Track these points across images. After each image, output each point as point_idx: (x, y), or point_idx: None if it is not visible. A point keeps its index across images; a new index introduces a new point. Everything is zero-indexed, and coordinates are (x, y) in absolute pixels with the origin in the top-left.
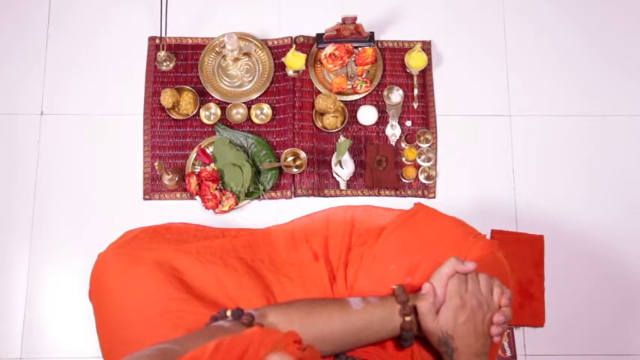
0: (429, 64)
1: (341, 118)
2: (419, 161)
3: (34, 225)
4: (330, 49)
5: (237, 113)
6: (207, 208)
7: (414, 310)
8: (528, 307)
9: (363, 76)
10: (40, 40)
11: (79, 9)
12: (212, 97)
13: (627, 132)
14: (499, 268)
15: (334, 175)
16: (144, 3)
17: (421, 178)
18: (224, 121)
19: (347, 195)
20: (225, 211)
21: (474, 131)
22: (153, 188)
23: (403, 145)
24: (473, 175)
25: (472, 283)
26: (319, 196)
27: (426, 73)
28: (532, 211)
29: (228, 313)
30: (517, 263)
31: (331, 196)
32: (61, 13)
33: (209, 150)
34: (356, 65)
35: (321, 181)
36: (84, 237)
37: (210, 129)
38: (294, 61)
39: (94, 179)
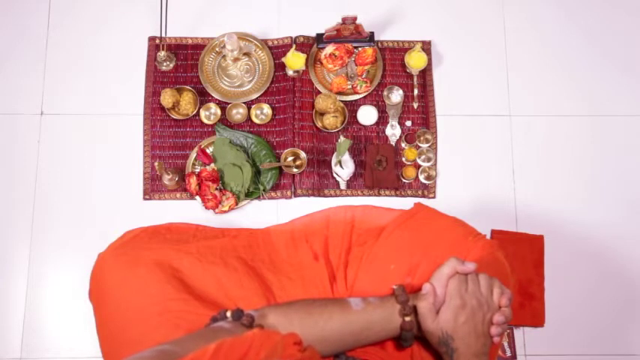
0: (429, 64)
1: (341, 118)
2: (419, 161)
3: (34, 225)
4: (330, 49)
5: (237, 113)
6: (207, 208)
7: (414, 311)
8: (528, 307)
9: (363, 76)
10: (40, 40)
11: (79, 9)
12: (212, 97)
13: (627, 132)
14: (499, 269)
15: (334, 175)
16: (144, 3)
17: (421, 178)
18: (224, 121)
19: (347, 195)
20: (225, 211)
21: (474, 131)
22: (153, 188)
23: (403, 145)
24: (473, 175)
25: (472, 284)
26: (319, 196)
27: (426, 73)
28: (532, 211)
29: (228, 314)
30: (517, 263)
31: (331, 196)
32: (61, 13)
33: (209, 150)
34: (356, 65)
35: (321, 181)
36: (84, 237)
37: (210, 129)
38: (294, 61)
39: (94, 179)
